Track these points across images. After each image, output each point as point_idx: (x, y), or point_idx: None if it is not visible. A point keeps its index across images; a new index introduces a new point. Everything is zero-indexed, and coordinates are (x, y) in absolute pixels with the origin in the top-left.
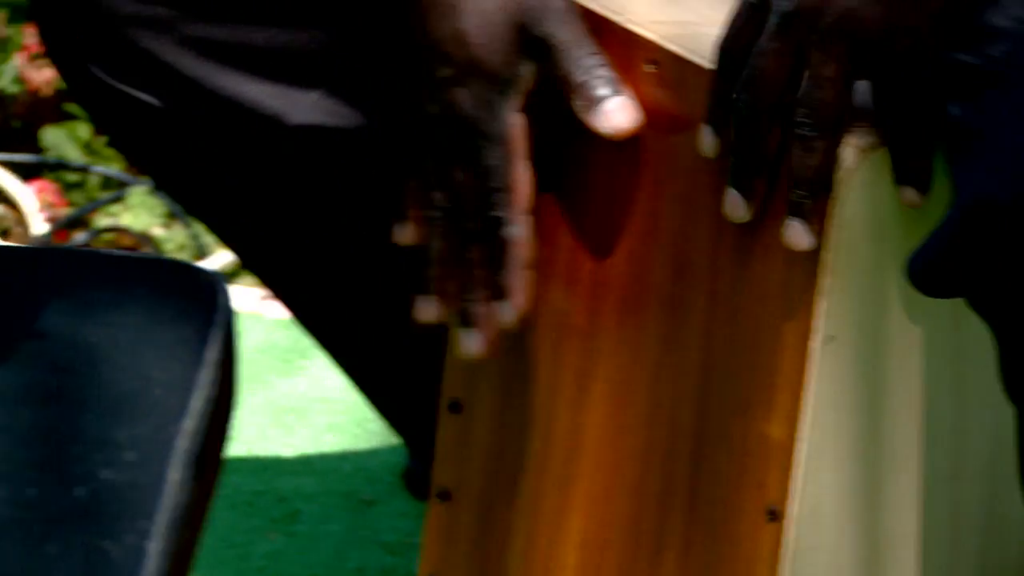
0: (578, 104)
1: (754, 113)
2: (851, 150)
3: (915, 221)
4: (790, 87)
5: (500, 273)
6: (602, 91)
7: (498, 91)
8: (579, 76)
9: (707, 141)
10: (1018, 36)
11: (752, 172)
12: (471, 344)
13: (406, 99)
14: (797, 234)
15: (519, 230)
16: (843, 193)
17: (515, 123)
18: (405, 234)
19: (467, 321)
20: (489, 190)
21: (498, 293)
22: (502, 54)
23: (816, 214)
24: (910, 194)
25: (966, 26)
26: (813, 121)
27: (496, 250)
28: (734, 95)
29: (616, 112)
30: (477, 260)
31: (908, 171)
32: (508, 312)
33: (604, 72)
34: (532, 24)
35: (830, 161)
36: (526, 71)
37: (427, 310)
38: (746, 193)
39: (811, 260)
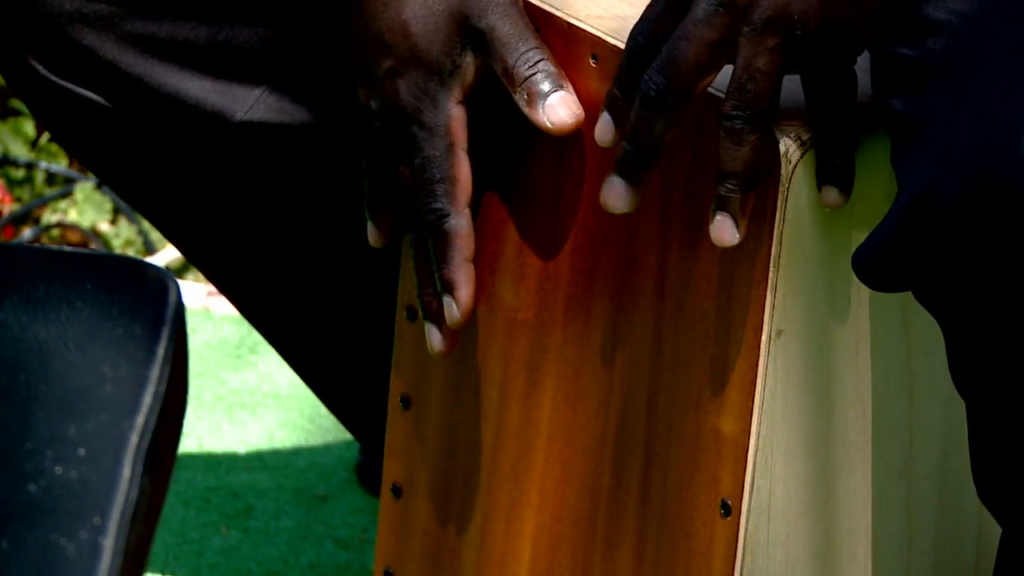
0: (520, 99)
1: (664, 97)
2: (795, 144)
3: (861, 214)
4: (706, 74)
5: (443, 268)
6: (544, 86)
7: (439, 82)
8: (521, 70)
9: (604, 129)
10: (956, 28)
11: (644, 161)
12: (432, 340)
13: (352, 98)
14: (725, 230)
15: (461, 222)
16: (789, 187)
17: (456, 115)
18: (371, 236)
19: (427, 316)
20: (429, 181)
21: (443, 288)
22: (443, 45)
23: (744, 209)
24: (832, 194)
25: (904, 19)
26: (744, 113)
27: (438, 244)
28: (644, 77)
29: (558, 108)
30: (423, 255)
31: (831, 169)
32: (452, 308)
33: (546, 67)
34: (474, 16)
35: (758, 154)
36: (467, 63)
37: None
38: (632, 181)
39: (759, 254)
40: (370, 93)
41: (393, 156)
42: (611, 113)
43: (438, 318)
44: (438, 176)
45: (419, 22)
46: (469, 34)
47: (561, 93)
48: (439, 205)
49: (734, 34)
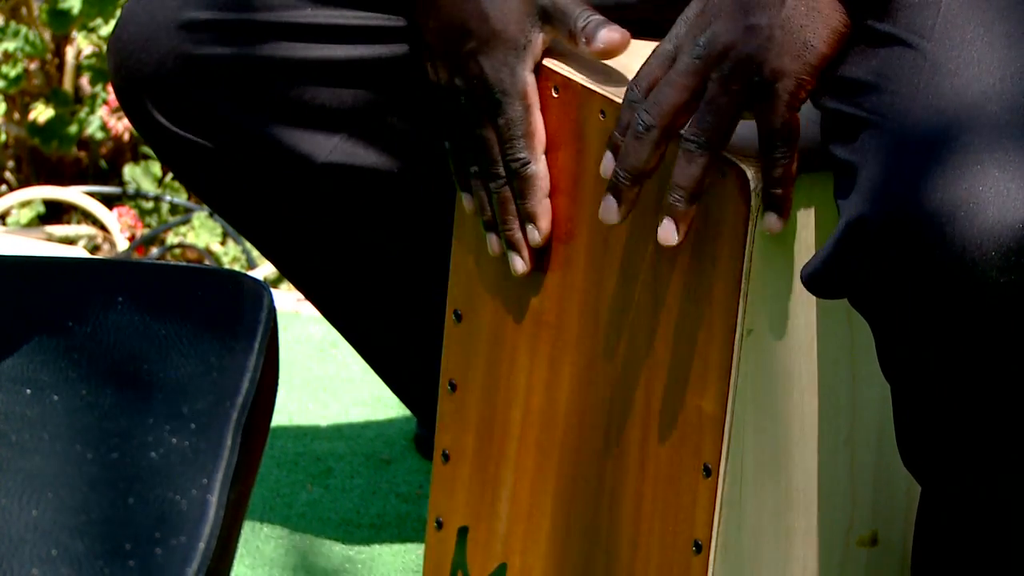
0: (582, 46)
1: (648, 131)
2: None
3: (811, 238)
4: (684, 114)
5: (526, 203)
6: (597, 27)
7: (516, 55)
8: (579, 26)
9: (606, 164)
10: (881, 87)
11: (631, 184)
12: (517, 264)
13: (430, 86)
14: (668, 232)
15: (539, 167)
16: (757, 216)
17: (530, 80)
18: (466, 204)
19: (511, 246)
20: (512, 138)
21: (526, 219)
22: (517, 24)
23: (686, 217)
24: (771, 219)
25: (840, 81)
26: (699, 139)
27: (522, 186)
28: (634, 114)
29: (608, 33)
30: (509, 197)
31: (771, 198)
32: (535, 234)
33: (596, 17)
34: None
35: (705, 174)
36: (536, 36)
37: (492, 244)
38: (620, 200)
39: (733, 269)
40: (453, 72)
41: (479, 122)
42: (611, 150)
43: (519, 246)
44: (519, 132)
45: (495, 7)
46: (537, 11)
47: (608, 26)
48: (522, 155)
49: (706, 80)
